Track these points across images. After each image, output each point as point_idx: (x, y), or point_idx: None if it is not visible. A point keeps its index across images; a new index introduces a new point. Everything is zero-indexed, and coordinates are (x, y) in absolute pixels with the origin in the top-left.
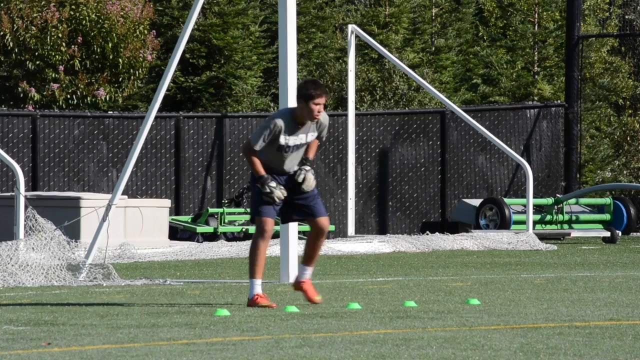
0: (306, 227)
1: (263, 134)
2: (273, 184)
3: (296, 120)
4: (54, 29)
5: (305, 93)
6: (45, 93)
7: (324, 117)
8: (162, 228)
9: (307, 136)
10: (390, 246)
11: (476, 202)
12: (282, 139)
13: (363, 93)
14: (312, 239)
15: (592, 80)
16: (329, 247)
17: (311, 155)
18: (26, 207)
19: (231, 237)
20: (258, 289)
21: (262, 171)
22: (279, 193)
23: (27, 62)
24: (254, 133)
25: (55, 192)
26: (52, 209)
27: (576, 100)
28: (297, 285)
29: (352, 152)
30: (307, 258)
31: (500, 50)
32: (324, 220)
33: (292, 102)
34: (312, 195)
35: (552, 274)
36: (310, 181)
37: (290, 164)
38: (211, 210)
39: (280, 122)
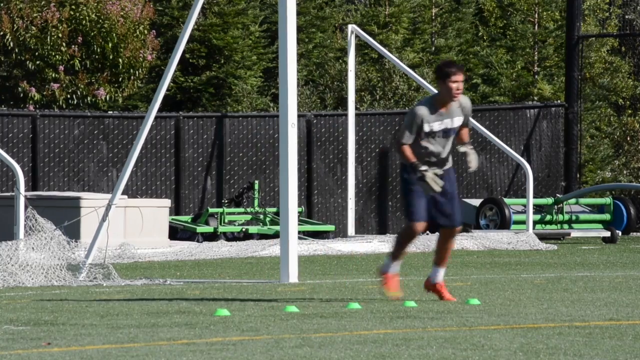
0: (306, 227)
1: (408, 126)
2: (424, 167)
3: (438, 105)
4: (54, 29)
5: (442, 72)
6: (45, 93)
7: (465, 100)
8: (162, 228)
9: (452, 121)
10: (390, 246)
11: (476, 202)
12: (426, 126)
13: (363, 93)
14: (443, 243)
15: (592, 80)
16: (329, 247)
17: (466, 138)
18: (26, 207)
19: (231, 237)
20: (396, 268)
21: (412, 157)
22: (431, 174)
23: (27, 62)
24: (399, 129)
25: (55, 192)
26: (52, 209)
27: (576, 100)
28: (431, 286)
29: (352, 152)
30: (440, 259)
31: (500, 50)
32: (457, 230)
33: (292, 102)
34: (453, 197)
35: (552, 274)
36: (474, 156)
37: (441, 150)
38: (211, 210)
39: (421, 111)
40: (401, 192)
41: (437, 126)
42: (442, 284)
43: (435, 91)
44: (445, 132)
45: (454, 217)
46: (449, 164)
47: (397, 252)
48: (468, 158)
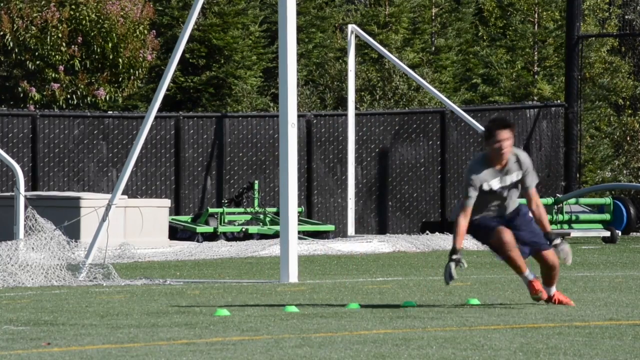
0: (306, 227)
1: (469, 189)
2: (458, 256)
3: (490, 164)
4: (54, 29)
5: (485, 133)
6: (45, 93)
7: (524, 156)
8: (162, 228)
9: (512, 176)
10: (390, 246)
11: None
12: (486, 186)
13: (363, 93)
14: (544, 272)
15: (592, 80)
16: (329, 247)
17: (546, 227)
18: (26, 207)
19: (231, 237)
20: (531, 275)
21: (459, 243)
22: (454, 271)
23: (27, 62)
24: (463, 192)
25: (55, 192)
26: (52, 209)
27: (576, 100)
28: (550, 298)
29: (352, 152)
30: (547, 281)
31: (500, 50)
32: (550, 255)
33: (292, 102)
34: (527, 227)
35: None
36: (568, 256)
37: (505, 207)
38: (211, 210)
39: (478, 176)
40: (480, 235)
41: (496, 185)
42: (558, 292)
43: (436, 91)
44: (506, 188)
45: (536, 241)
46: (514, 209)
47: (513, 267)
48: (562, 254)
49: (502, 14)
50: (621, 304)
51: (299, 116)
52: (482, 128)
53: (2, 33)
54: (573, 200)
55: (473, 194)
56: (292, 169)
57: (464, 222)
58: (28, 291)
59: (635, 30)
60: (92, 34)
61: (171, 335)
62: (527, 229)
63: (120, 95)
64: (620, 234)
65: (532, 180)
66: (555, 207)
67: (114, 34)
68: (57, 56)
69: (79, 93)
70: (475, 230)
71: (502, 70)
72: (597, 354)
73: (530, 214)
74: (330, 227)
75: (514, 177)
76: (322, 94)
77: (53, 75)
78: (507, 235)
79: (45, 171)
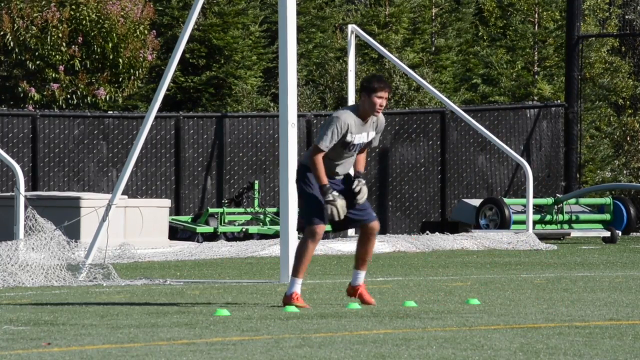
0: None
1: (332, 132)
2: (335, 193)
3: (360, 116)
4: (54, 29)
5: (368, 86)
6: (45, 93)
7: (382, 118)
8: (162, 228)
9: (367, 134)
10: (390, 246)
11: (476, 202)
12: (349, 137)
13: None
14: (363, 242)
15: (592, 80)
16: (329, 247)
17: (362, 168)
18: (26, 207)
19: (231, 237)
20: (298, 287)
21: (325, 179)
22: (341, 203)
23: (28, 62)
24: (320, 134)
25: (55, 192)
26: (52, 209)
27: (576, 100)
28: (352, 290)
29: None
30: (360, 262)
31: (500, 50)
32: (375, 224)
33: (292, 102)
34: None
35: (552, 274)
36: (365, 194)
37: (347, 165)
38: (211, 210)
39: (349, 119)
40: (304, 201)
41: (357, 139)
42: (363, 285)
43: (436, 91)
44: (359, 146)
45: (367, 212)
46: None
47: (299, 263)
48: (359, 189)
49: (502, 14)
50: (621, 304)
51: (299, 116)
52: (483, 129)
53: (2, 33)
54: (573, 200)
55: (334, 140)
56: (292, 169)
57: (321, 161)
58: (28, 291)
59: (635, 30)
60: (93, 34)
61: (171, 335)
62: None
63: (120, 95)
64: (620, 234)
65: (376, 141)
66: (556, 207)
67: (114, 34)
68: (57, 56)
69: (79, 93)
70: (305, 190)
71: (502, 70)
72: (597, 354)
73: (355, 185)
74: (330, 227)
75: (370, 135)
76: (322, 94)
77: (53, 75)
78: (320, 234)
79: (45, 171)
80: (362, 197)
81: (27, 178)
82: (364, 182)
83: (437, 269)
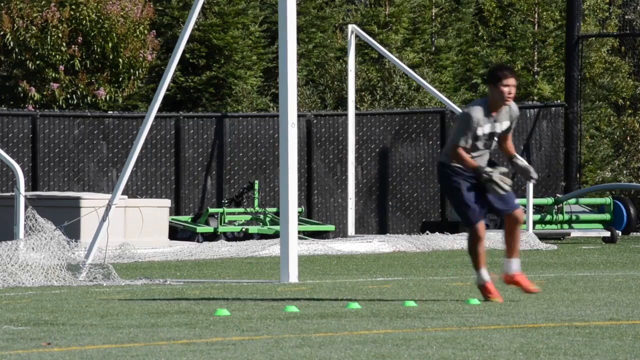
0: (306, 227)
1: (464, 131)
2: (489, 169)
3: (490, 108)
4: (54, 29)
5: (494, 75)
6: (45, 93)
7: (514, 106)
8: (162, 228)
9: (501, 124)
10: (390, 246)
11: None
12: (479, 130)
13: (363, 93)
14: (509, 231)
15: (592, 80)
16: (329, 247)
17: (511, 149)
18: (26, 207)
19: (231, 237)
20: (486, 276)
21: (473, 162)
22: (498, 175)
23: (27, 61)
24: (453, 134)
25: (55, 192)
26: (52, 209)
27: (576, 100)
28: (509, 278)
29: (352, 152)
30: (510, 250)
31: (500, 50)
32: (519, 213)
33: (292, 102)
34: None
35: (552, 274)
36: (532, 170)
37: (485, 157)
38: (211, 210)
39: (478, 114)
40: (448, 195)
41: (487, 129)
42: (520, 273)
43: (436, 91)
44: (492, 135)
45: (510, 202)
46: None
47: (475, 261)
48: (527, 172)
49: (502, 14)
50: (621, 304)
51: (299, 116)
52: None
53: (2, 33)
54: (573, 200)
55: (467, 139)
56: (292, 169)
57: (464, 152)
58: (28, 291)
59: (635, 30)
60: (92, 34)
61: (171, 335)
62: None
63: (120, 95)
64: (620, 234)
65: (513, 128)
66: (556, 207)
67: (114, 34)
68: (57, 56)
69: (79, 93)
70: (448, 184)
71: None
72: (597, 354)
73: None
74: (330, 227)
75: (504, 125)
76: (322, 94)
77: (53, 75)
78: (483, 230)
79: (45, 171)
80: (533, 172)
81: (27, 178)
82: (521, 158)
83: (437, 269)
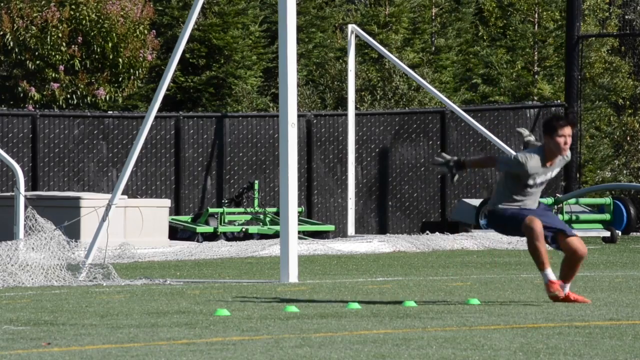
0: (306, 227)
1: (511, 164)
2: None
3: (546, 158)
4: (54, 29)
5: (549, 126)
6: (45, 93)
7: (569, 153)
8: (162, 228)
9: (553, 172)
10: (390, 246)
11: (476, 202)
12: (531, 180)
13: (363, 93)
14: (567, 260)
15: (592, 80)
16: (329, 247)
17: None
18: (26, 207)
19: (231, 237)
20: (551, 276)
21: (473, 162)
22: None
23: (27, 61)
24: (507, 156)
25: (55, 192)
26: (52, 209)
27: (576, 100)
28: (565, 298)
29: (352, 152)
30: (565, 277)
31: (500, 50)
32: (575, 241)
33: (292, 102)
34: (551, 216)
35: None
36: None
37: (535, 197)
38: (211, 210)
39: (534, 165)
40: (503, 222)
41: (540, 179)
42: (570, 293)
43: (436, 91)
44: (543, 183)
45: (564, 227)
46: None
47: (537, 260)
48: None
49: (502, 14)
50: (621, 304)
51: (299, 116)
52: (483, 129)
53: (2, 33)
54: (573, 200)
55: (512, 170)
56: (292, 169)
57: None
58: (28, 291)
59: (635, 30)
60: (92, 33)
61: (171, 335)
62: (550, 216)
63: (120, 95)
64: (620, 234)
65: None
66: (556, 207)
67: (114, 34)
68: (57, 56)
69: (79, 93)
70: (503, 218)
71: (502, 70)
72: (597, 354)
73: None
74: (330, 227)
75: (554, 172)
76: (322, 94)
77: (53, 75)
78: (538, 224)
79: (45, 171)
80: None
81: (27, 178)
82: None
83: (437, 269)
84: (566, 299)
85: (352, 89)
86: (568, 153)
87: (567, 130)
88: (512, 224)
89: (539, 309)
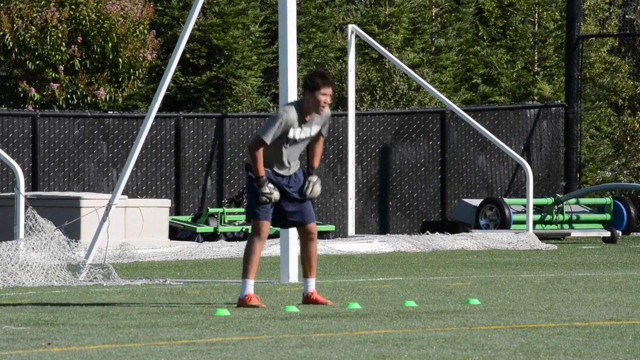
0: None
1: (274, 127)
2: (271, 185)
3: (302, 113)
4: (54, 29)
5: (312, 83)
6: (45, 93)
7: (327, 111)
8: (162, 228)
9: (311, 129)
10: (390, 246)
11: (476, 202)
12: (291, 132)
13: (363, 93)
14: (306, 248)
15: (592, 80)
16: (329, 247)
17: (316, 163)
18: (26, 207)
19: (231, 237)
20: (250, 289)
21: (262, 171)
22: (276, 195)
23: (27, 62)
24: (263, 126)
25: (55, 192)
26: (52, 209)
27: (576, 100)
28: (307, 299)
29: (352, 152)
30: (308, 269)
31: (500, 50)
32: (313, 226)
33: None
34: (303, 200)
35: (552, 274)
36: (317, 192)
37: (291, 157)
38: (211, 210)
39: (292, 115)
40: (248, 195)
41: (298, 134)
42: (315, 292)
43: (436, 91)
44: (302, 140)
45: (304, 215)
46: (297, 166)
47: (247, 264)
48: (310, 190)
49: (502, 14)
50: (621, 304)
51: None
52: (483, 129)
53: (2, 33)
54: (573, 200)
55: (275, 133)
56: None
57: (261, 154)
58: (28, 291)
59: (636, 30)
60: (92, 33)
61: (171, 335)
62: (297, 206)
63: (120, 95)
64: (620, 234)
65: (326, 131)
66: (556, 207)
67: (114, 34)
68: (57, 56)
69: (79, 93)
70: (250, 190)
71: (502, 70)
72: (597, 354)
73: (305, 186)
74: (330, 227)
75: (313, 130)
76: None
77: (53, 75)
78: (266, 230)
79: (45, 171)
80: (314, 194)
81: (27, 178)
82: (316, 179)
83: (437, 269)
84: (311, 301)
85: (352, 89)
86: (327, 111)
87: (329, 90)
88: (251, 203)
89: (539, 309)
